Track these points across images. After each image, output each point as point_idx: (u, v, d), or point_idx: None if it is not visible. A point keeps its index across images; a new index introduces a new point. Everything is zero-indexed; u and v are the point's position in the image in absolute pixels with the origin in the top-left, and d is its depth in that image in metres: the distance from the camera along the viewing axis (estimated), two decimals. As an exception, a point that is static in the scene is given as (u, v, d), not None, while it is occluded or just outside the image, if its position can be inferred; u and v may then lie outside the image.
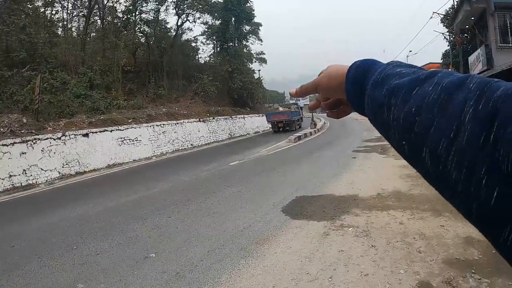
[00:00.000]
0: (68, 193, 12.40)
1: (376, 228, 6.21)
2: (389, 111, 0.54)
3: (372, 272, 4.66)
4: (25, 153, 14.99)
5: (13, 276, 5.49)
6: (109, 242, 6.67)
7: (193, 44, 40.02)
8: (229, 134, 31.30)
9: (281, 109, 41.04)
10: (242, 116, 35.34)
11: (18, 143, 14.98)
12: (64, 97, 20.30)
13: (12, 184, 14.10)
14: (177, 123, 24.90)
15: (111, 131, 19.39)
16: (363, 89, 0.65)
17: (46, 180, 15.28)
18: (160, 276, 5.09)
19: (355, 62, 0.72)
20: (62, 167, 16.29)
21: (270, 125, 33.50)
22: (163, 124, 23.15)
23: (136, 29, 31.51)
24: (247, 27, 44.53)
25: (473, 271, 4.49)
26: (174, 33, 34.83)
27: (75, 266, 5.70)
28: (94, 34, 31.23)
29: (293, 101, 43.11)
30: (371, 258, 5.06)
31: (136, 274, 5.22)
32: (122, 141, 19.73)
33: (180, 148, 23.52)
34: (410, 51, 42.28)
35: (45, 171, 15.54)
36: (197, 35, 40.79)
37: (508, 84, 0.42)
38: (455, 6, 23.21)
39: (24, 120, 16.93)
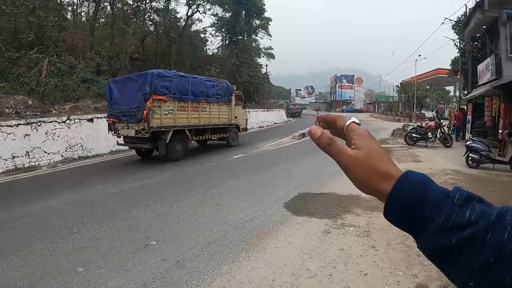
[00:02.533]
0: (71, 177, 12.40)
1: (377, 229, 6.21)
2: (459, 257, 0.55)
3: (371, 272, 4.66)
4: (29, 135, 14.95)
5: (12, 257, 5.49)
6: (110, 228, 6.68)
7: (202, 35, 40.13)
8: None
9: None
10: (247, 110, 35.15)
11: (23, 124, 14.91)
12: (71, 81, 20.34)
13: (14, 165, 14.09)
14: None
15: (116, 117, 19.15)
16: (416, 215, 0.61)
17: (49, 163, 15.26)
18: (160, 264, 5.10)
19: (409, 173, 0.65)
20: (65, 150, 16.27)
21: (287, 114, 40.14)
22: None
23: (145, 17, 31.51)
24: (257, 21, 44.52)
25: (472, 276, 4.47)
26: (184, 23, 34.88)
27: (75, 250, 5.71)
28: (103, 20, 31.23)
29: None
30: (371, 258, 5.07)
31: (136, 261, 5.22)
32: (127, 127, 19.50)
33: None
34: (419, 56, 41.85)
35: (48, 154, 15.52)
36: (206, 27, 40.99)
37: None
38: (468, 14, 23.06)
39: (30, 102, 16.96)
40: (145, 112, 12.84)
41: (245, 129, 21.43)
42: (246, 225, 6.64)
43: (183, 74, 15.45)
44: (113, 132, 14.80)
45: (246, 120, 21.87)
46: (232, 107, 18.50)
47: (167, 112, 13.90)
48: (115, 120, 14.34)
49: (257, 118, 36.59)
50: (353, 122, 0.74)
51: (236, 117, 19.04)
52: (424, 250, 0.60)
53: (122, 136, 14.62)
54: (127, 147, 15.87)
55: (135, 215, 7.44)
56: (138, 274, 4.82)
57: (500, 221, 0.53)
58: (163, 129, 13.73)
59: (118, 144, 15.26)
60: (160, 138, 13.85)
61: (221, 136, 17.95)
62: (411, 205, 0.61)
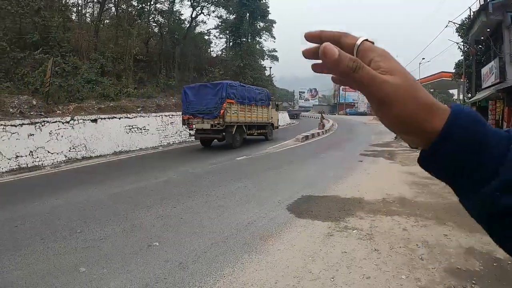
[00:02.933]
0: (74, 177, 12.44)
1: (380, 232, 6.19)
2: None
3: (374, 276, 4.64)
4: (33, 134, 15.05)
5: (15, 256, 5.49)
6: (113, 228, 6.68)
7: (206, 37, 40.01)
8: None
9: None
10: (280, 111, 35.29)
11: (27, 124, 15.03)
12: (75, 81, 20.42)
13: (18, 165, 14.20)
14: None
15: (119, 118, 19.41)
16: (473, 160, 0.49)
17: (52, 163, 15.37)
18: (163, 265, 5.09)
19: (458, 106, 0.52)
20: (69, 151, 16.37)
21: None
22: (172, 115, 23.06)
23: (150, 18, 31.55)
24: (261, 24, 44.57)
25: (473, 281, 4.48)
26: (188, 25, 34.83)
27: (78, 250, 5.71)
28: (107, 21, 31.31)
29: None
30: (374, 262, 5.04)
31: (139, 261, 5.21)
32: (130, 129, 19.76)
33: (188, 140, 23.47)
34: (423, 59, 41.89)
35: (52, 154, 15.61)
36: (210, 29, 40.86)
37: None
38: (472, 17, 23.05)
39: (34, 102, 17.03)
40: (222, 111, 17.48)
41: (277, 127, 26.02)
42: (249, 227, 6.62)
43: (243, 84, 20.88)
44: (186, 126, 19.53)
45: (278, 119, 26.49)
46: (269, 110, 23.32)
47: (233, 112, 18.61)
48: (190, 116, 18.57)
49: None
50: (366, 40, 0.55)
51: (271, 117, 23.76)
52: (477, 210, 0.51)
53: (195, 129, 18.90)
54: (130, 148, 16.44)
55: (138, 215, 7.44)
56: (141, 275, 4.80)
57: None
58: (231, 123, 18.38)
59: (190, 135, 20.18)
60: (227, 130, 18.32)
61: (262, 131, 23.00)
62: (470, 148, 0.49)
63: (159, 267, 5.01)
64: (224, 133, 18.28)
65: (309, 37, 0.57)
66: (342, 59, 0.49)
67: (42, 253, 5.62)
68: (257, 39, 44.15)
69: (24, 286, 4.59)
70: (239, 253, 5.44)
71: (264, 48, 46.99)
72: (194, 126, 18.68)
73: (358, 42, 0.54)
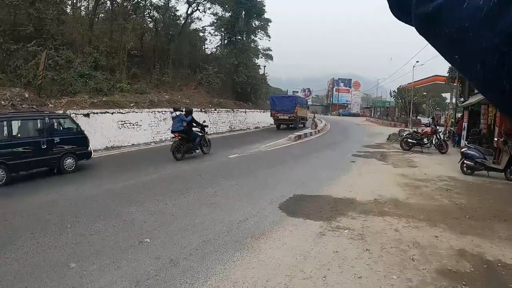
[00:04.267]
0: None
1: (371, 233, 6.22)
2: (441, 23, 0.49)
3: (365, 275, 4.67)
4: None
5: (4, 250, 5.46)
6: (104, 224, 6.65)
7: (201, 34, 39.81)
8: (229, 126, 31.21)
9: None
10: (244, 110, 35.22)
11: None
12: (68, 75, 20.12)
13: None
14: None
15: (112, 113, 19.24)
16: None
17: None
18: (153, 261, 5.07)
19: None
20: None
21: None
22: (165, 111, 22.88)
23: (145, 13, 31.28)
24: (257, 22, 44.21)
25: (464, 283, 4.53)
26: (183, 21, 34.57)
27: (68, 245, 5.68)
28: (102, 15, 31.04)
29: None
30: (365, 262, 5.07)
31: (130, 258, 5.20)
32: (123, 124, 19.61)
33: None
34: (417, 62, 41.89)
35: None
36: (205, 26, 40.52)
37: None
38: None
39: (26, 95, 16.81)
40: (295, 110, 31.14)
41: (306, 119, 37.54)
42: (241, 225, 6.62)
43: (302, 97, 46.90)
44: (273, 117, 32.61)
45: (309, 117, 39.15)
46: (307, 110, 41.06)
47: (298, 111, 31.99)
48: (277, 112, 31.76)
49: (253, 118, 36.60)
50: None
51: (307, 114, 39.14)
52: (416, 23, 0.55)
53: (278, 118, 31.95)
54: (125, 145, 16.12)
55: (130, 212, 7.40)
56: (131, 271, 4.78)
57: None
58: (297, 116, 31.89)
59: (274, 123, 33.68)
60: (295, 120, 31.82)
61: (303, 122, 35.56)
62: None
63: (150, 264, 5.00)
64: (293, 122, 31.62)
65: None
66: None
67: (32, 248, 5.57)
68: (252, 37, 43.90)
69: (13, 281, 4.56)
70: (231, 251, 5.45)
71: (259, 47, 46.80)
72: (278, 116, 31.66)
73: None
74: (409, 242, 5.78)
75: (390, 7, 0.61)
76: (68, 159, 11.62)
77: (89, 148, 12.45)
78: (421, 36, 0.55)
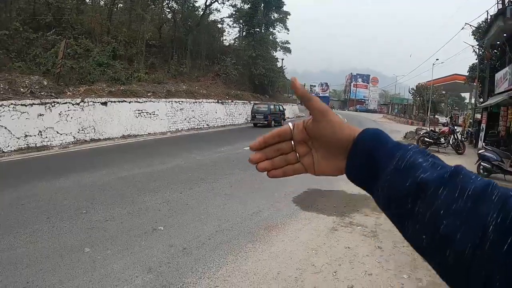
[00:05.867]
0: (82, 159, 12.48)
1: (384, 230, 6.14)
2: (414, 204, 0.54)
3: (376, 273, 4.62)
4: (43, 115, 15.11)
5: (20, 233, 5.54)
6: (119, 211, 6.71)
7: (219, 26, 39.75)
8: (245, 118, 31.19)
9: None
10: (261, 102, 35.09)
11: (37, 104, 15.09)
12: (86, 64, 20.36)
13: (27, 144, 14.26)
14: (196, 102, 24.82)
15: (129, 102, 19.45)
16: (374, 163, 0.61)
17: (61, 144, 15.45)
18: (167, 249, 5.11)
19: (367, 129, 0.66)
20: (78, 132, 16.44)
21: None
22: (182, 101, 23.10)
23: (164, 4, 31.36)
24: (276, 15, 44.06)
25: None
26: (202, 12, 34.56)
27: (83, 230, 5.75)
28: (121, 5, 31.16)
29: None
30: (376, 259, 5.02)
31: (143, 244, 5.24)
32: (140, 113, 19.80)
33: (196, 127, 23.52)
34: (437, 60, 41.37)
35: (61, 134, 15.68)
36: (224, 17, 40.67)
37: None
38: (489, 21, 22.62)
39: (45, 83, 17.00)
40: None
41: None
42: (254, 217, 6.62)
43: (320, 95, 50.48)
44: None
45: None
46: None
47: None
48: None
49: None
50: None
51: None
52: (380, 200, 0.60)
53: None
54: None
55: (144, 199, 7.46)
56: (144, 258, 4.82)
57: (453, 178, 0.53)
58: None
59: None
60: None
61: None
62: (370, 154, 0.62)
63: (163, 251, 5.03)
64: None
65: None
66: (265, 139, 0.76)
67: (48, 232, 5.65)
68: (271, 30, 43.68)
69: (28, 263, 4.63)
70: (243, 242, 5.45)
71: (277, 40, 46.55)
72: None
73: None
74: (421, 242, 5.70)
75: (346, 170, 0.68)
76: None
77: None
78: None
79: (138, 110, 19.82)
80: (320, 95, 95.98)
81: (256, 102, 31.96)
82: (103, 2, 30.32)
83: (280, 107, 32.03)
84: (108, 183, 8.87)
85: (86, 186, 8.47)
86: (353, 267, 4.75)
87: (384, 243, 5.58)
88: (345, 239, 5.72)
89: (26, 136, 14.32)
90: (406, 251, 5.29)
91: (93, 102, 17.36)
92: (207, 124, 25.25)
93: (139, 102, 20.07)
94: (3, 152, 13.33)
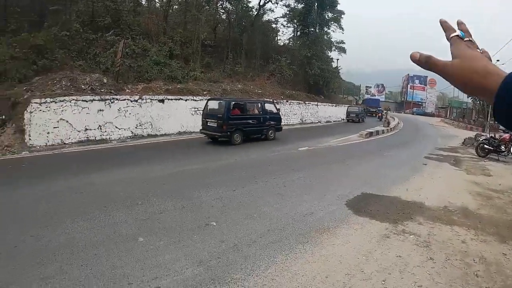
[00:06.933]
0: (139, 153, 12.94)
1: (437, 241, 5.83)
2: None
3: (426, 285, 4.38)
4: (103, 110, 15.96)
5: (77, 220, 5.85)
6: (173, 204, 6.88)
7: (273, 26, 39.77)
8: (300, 119, 30.99)
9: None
10: (316, 103, 34.60)
11: (97, 100, 16.01)
12: (144, 63, 21.31)
13: (87, 137, 15.25)
14: None
15: (185, 100, 19.97)
16: None
17: (119, 138, 16.27)
18: (218, 244, 5.13)
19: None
20: (136, 127, 17.21)
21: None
22: (237, 100, 23.17)
23: (218, 5, 31.85)
24: (330, 14, 43.44)
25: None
26: (256, 12, 34.73)
27: (138, 221, 5.95)
28: (176, 6, 31.94)
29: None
30: (428, 271, 4.77)
31: (195, 238, 5.30)
32: (195, 111, 20.19)
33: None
34: (498, 61, 39.50)
35: (119, 129, 16.45)
36: (278, 17, 40.76)
37: None
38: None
39: (105, 80, 17.83)
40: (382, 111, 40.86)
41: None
42: (306, 218, 6.49)
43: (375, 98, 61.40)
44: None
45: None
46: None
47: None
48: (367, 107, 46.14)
49: (325, 112, 36.02)
50: (456, 35, 0.85)
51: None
52: None
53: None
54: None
55: (199, 195, 7.58)
56: (196, 251, 4.88)
57: None
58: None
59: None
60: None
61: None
62: None
63: (214, 246, 5.06)
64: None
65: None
66: (420, 57, 0.84)
67: (104, 220, 5.93)
68: (325, 29, 43.10)
69: (84, 248, 4.86)
70: (294, 243, 5.35)
71: (331, 39, 45.95)
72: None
73: (450, 35, 0.86)
74: (475, 256, 5.34)
75: (495, 112, 0.70)
76: None
77: None
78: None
79: (194, 108, 20.25)
80: (376, 96, 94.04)
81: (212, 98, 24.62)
82: (158, 4, 31.25)
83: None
84: (164, 176, 9.17)
85: (143, 179, 8.79)
86: (402, 277, 4.54)
87: (437, 255, 5.29)
88: (396, 247, 5.48)
89: (86, 129, 15.27)
90: (459, 265, 5.00)
91: (151, 99, 18.01)
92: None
93: (195, 100, 20.49)
94: (65, 143, 14.32)
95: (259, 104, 17.89)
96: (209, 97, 18.78)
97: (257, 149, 14.26)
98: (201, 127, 16.51)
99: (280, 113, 19.95)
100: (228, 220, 6.12)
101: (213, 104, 16.37)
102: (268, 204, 7.17)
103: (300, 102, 31.76)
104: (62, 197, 7.25)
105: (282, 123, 19.24)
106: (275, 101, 23.82)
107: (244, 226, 5.90)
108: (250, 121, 16.69)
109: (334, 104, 37.88)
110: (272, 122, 17.97)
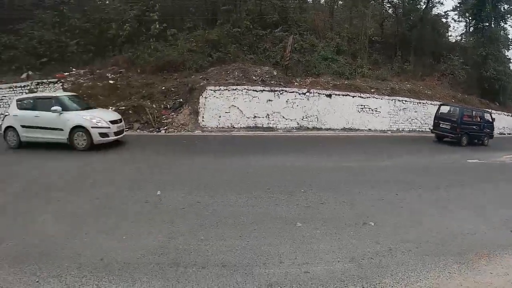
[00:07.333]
0: (304, 143, 13.65)
1: None
2: None
3: None
4: (271, 100, 17.63)
5: (243, 196, 6.94)
6: (334, 197, 7.22)
7: (444, 20, 36.22)
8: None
9: None
10: (490, 111, 30.46)
11: (267, 91, 17.71)
12: (312, 58, 22.31)
13: (255, 124, 17.17)
14: (419, 103, 23.27)
15: (352, 96, 20.14)
16: None
17: (285, 127, 17.73)
18: (373, 245, 5.21)
19: None
20: (302, 119, 18.41)
21: None
22: (405, 101, 22.30)
23: (384, -1, 30.78)
24: (506, 6, 37.07)
25: None
26: (424, 6, 32.10)
27: (299, 207, 6.52)
28: (341, 2, 31.85)
29: None
30: None
31: (351, 234, 5.50)
32: (362, 108, 20.31)
33: (417, 129, 22.54)
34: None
35: (286, 119, 17.90)
36: (448, 10, 37.12)
37: None
38: None
39: (274, 73, 19.24)
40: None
41: None
42: (467, 238, 5.92)
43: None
44: None
45: None
46: None
47: None
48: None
49: (499, 122, 31.00)
50: None
51: None
52: None
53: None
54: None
55: (360, 192, 7.76)
56: (350, 247, 5.07)
57: None
58: None
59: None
60: None
61: None
62: None
63: (368, 246, 5.17)
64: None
65: None
66: None
67: (267, 200, 6.74)
68: (501, 24, 37.17)
69: (245, 222, 5.78)
70: (450, 262, 4.99)
71: (509, 36, 39.25)
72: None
73: None
74: None
75: None
76: None
77: None
78: None
79: (361, 105, 20.34)
80: None
81: (444, 103, 21.03)
82: (323, 1, 31.55)
83: (487, 115, 20.53)
84: (326, 170, 9.67)
85: (306, 169, 9.43)
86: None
87: None
88: None
89: (255, 117, 17.22)
90: None
91: (318, 93, 18.88)
92: (429, 128, 20.60)
93: (362, 97, 20.51)
94: (234, 127, 16.55)
95: (481, 112, 19.87)
96: (442, 102, 20.82)
97: (423, 155, 13.87)
98: (431, 127, 19.17)
99: (491, 118, 20.48)
100: (386, 223, 6.10)
101: (445, 109, 19.08)
102: (429, 215, 6.84)
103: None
104: (234, 175, 8.37)
105: (435, 129, 19.21)
106: (490, 111, 23.36)
107: (403, 232, 5.81)
108: (474, 127, 18.47)
109: (510, 114, 32.63)
110: (487, 130, 19.49)
